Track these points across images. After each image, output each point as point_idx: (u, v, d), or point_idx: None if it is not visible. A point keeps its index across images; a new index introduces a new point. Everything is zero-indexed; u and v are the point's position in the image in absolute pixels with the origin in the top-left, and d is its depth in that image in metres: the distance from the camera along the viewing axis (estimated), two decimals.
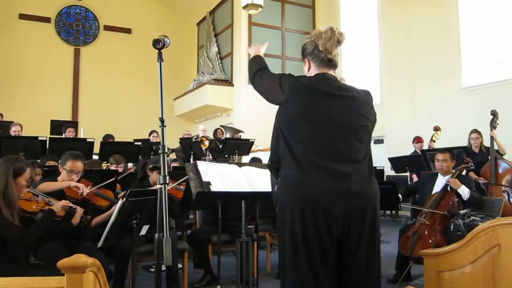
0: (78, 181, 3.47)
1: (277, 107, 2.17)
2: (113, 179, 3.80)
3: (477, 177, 5.37)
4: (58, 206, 2.96)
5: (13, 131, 7.05)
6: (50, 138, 6.31)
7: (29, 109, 12.15)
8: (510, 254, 2.17)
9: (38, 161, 5.04)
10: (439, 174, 4.45)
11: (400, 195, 4.32)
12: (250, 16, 11.49)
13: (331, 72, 2.16)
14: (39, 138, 5.95)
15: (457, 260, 2.32)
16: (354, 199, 2.00)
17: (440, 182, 4.34)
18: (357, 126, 2.09)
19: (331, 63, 2.15)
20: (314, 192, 1.97)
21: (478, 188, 5.22)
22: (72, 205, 3.05)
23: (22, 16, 13.01)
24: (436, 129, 6.67)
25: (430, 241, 3.90)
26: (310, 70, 2.18)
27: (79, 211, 3.14)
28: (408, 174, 6.99)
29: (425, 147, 7.04)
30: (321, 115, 2.05)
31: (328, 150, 2.02)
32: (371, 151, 2.19)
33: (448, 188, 4.20)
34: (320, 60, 2.13)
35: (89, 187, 3.50)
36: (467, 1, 8.60)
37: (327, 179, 1.98)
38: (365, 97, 2.18)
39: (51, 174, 3.77)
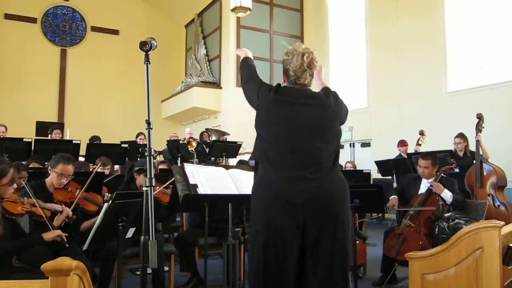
0: (67, 184, 3.44)
1: None
2: (91, 176, 3.70)
3: None
4: (49, 236, 2.88)
5: None
6: (35, 139, 6.23)
7: (14, 110, 12.02)
8: (492, 256, 2.20)
9: (24, 162, 4.98)
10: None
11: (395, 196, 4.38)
12: (238, 18, 11.51)
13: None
14: (24, 140, 5.88)
15: (442, 262, 2.35)
16: (313, 189, 2.10)
17: (425, 185, 4.38)
18: (320, 128, 2.22)
19: (301, 85, 2.29)
20: (274, 183, 2.13)
21: (463, 190, 5.29)
22: (64, 238, 2.96)
23: (8, 16, 12.86)
24: (421, 133, 6.75)
25: (415, 243, 3.93)
26: (285, 82, 2.35)
27: (64, 213, 3.11)
28: (393, 177, 7.03)
29: (411, 150, 7.11)
30: (284, 120, 2.20)
31: (289, 149, 2.17)
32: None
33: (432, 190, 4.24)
34: (290, 82, 2.30)
35: (78, 190, 3.47)
36: (453, 8, 8.71)
37: (287, 170, 2.14)
38: (332, 99, 2.30)
39: (37, 176, 3.71)
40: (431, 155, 4.58)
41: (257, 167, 2.31)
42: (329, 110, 2.26)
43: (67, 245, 2.95)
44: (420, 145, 6.64)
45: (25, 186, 3.00)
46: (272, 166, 2.17)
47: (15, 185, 2.83)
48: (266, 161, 2.20)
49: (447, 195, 4.17)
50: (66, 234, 2.95)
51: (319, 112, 2.23)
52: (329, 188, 2.14)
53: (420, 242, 3.94)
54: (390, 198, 4.36)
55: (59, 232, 2.92)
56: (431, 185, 4.23)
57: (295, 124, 2.19)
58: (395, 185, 6.52)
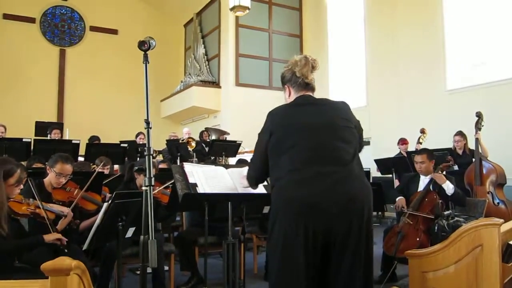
0: (65, 184, 3.44)
1: (266, 109, 2.38)
2: (93, 176, 3.70)
3: None
4: (50, 238, 2.87)
5: None
6: (34, 139, 6.23)
7: (13, 110, 11.99)
8: (492, 254, 2.21)
9: (23, 163, 4.98)
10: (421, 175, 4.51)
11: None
12: (237, 18, 11.50)
13: (308, 93, 2.36)
14: (24, 140, 5.88)
15: (441, 260, 2.35)
16: (345, 201, 2.08)
17: (423, 182, 4.39)
18: (338, 127, 2.23)
19: (309, 87, 2.36)
20: (303, 197, 2.07)
21: (463, 189, 5.30)
22: (64, 242, 2.95)
23: (6, 16, 12.83)
24: (422, 131, 6.75)
25: (414, 241, 3.94)
26: (290, 95, 2.40)
27: (69, 217, 3.11)
28: (393, 175, 7.04)
29: (412, 149, 7.11)
30: (302, 126, 2.21)
31: (314, 156, 2.15)
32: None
33: (431, 187, 4.25)
34: (298, 84, 2.35)
35: (76, 190, 3.47)
36: (451, 5, 8.71)
37: (316, 183, 2.09)
38: (342, 104, 2.38)
39: (37, 176, 3.71)
40: (426, 150, 4.61)
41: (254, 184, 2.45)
42: (346, 111, 2.33)
43: (66, 250, 2.94)
44: (421, 143, 6.64)
45: (31, 187, 2.99)
46: (296, 178, 2.13)
47: (21, 186, 2.84)
48: (286, 176, 2.15)
49: (449, 186, 4.19)
50: (66, 240, 2.94)
51: (337, 111, 2.30)
52: (360, 196, 2.15)
53: (418, 239, 3.95)
54: (397, 199, 4.38)
55: (59, 235, 2.91)
56: (433, 176, 4.25)
57: (313, 127, 2.21)
58: (396, 182, 6.53)
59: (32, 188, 2.98)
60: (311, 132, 2.20)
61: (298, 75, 2.32)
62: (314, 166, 2.12)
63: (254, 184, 2.55)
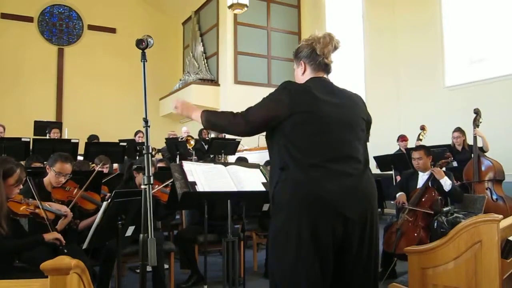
0: (65, 183, 3.44)
1: None
2: (92, 175, 3.71)
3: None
4: (49, 237, 2.87)
5: None
6: (33, 139, 6.23)
7: (12, 109, 11.99)
8: (491, 250, 2.21)
9: (22, 162, 4.97)
10: (419, 171, 4.51)
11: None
12: (235, 15, 11.49)
13: (325, 76, 2.18)
14: (23, 139, 5.88)
15: (440, 256, 2.36)
16: (361, 200, 2.01)
17: (422, 179, 4.40)
18: (357, 126, 2.12)
19: (327, 68, 2.18)
20: (320, 194, 1.94)
21: (461, 185, 5.31)
22: (62, 242, 2.94)
23: (4, 16, 12.80)
24: (422, 128, 6.75)
25: (413, 237, 3.95)
26: (305, 73, 2.19)
27: (68, 217, 3.12)
28: (392, 172, 7.05)
29: (411, 145, 7.11)
30: (323, 119, 2.02)
31: (333, 153, 2.01)
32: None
33: (429, 183, 4.26)
34: (318, 64, 2.15)
35: (76, 189, 3.47)
36: (450, 2, 8.70)
37: (333, 181, 1.97)
38: (359, 99, 2.23)
39: (37, 175, 3.71)
40: (423, 146, 4.64)
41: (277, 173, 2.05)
42: (363, 108, 2.22)
43: (65, 250, 2.95)
44: (421, 140, 6.65)
45: (31, 187, 2.99)
46: (313, 174, 1.96)
47: (21, 186, 2.83)
48: (302, 171, 1.97)
49: (446, 182, 4.21)
50: (64, 242, 2.93)
51: (356, 109, 2.16)
52: (373, 195, 2.09)
53: (416, 234, 3.97)
54: (397, 195, 4.40)
55: (58, 235, 2.91)
56: (433, 170, 4.27)
57: (334, 123, 2.04)
58: (398, 178, 6.53)
59: (32, 188, 2.97)
60: (334, 126, 2.04)
61: (318, 53, 2.13)
62: (336, 165, 1.99)
63: (237, 132, 2.19)
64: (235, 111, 2.17)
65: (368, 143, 2.29)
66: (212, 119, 2.19)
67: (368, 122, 2.24)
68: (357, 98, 2.22)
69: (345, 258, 2.01)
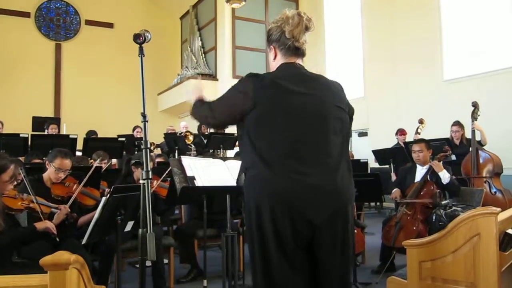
0: (64, 179, 3.44)
1: None
2: (91, 171, 3.70)
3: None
4: (41, 226, 2.90)
5: None
6: (32, 135, 6.22)
7: (10, 105, 11.97)
8: (489, 243, 2.22)
9: (20, 158, 4.97)
10: (417, 165, 4.52)
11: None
12: (233, 10, 11.46)
13: (298, 61, 2.03)
14: (21, 135, 5.88)
15: (439, 249, 2.37)
16: (328, 199, 1.87)
17: (420, 173, 4.41)
18: (330, 116, 1.94)
19: (299, 52, 2.01)
20: (283, 191, 1.83)
21: (460, 179, 5.31)
22: (54, 231, 2.96)
23: (1, 11, 12.74)
24: (421, 121, 6.76)
25: (412, 231, 3.97)
26: (276, 58, 2.05)
27: (63, 211, 3.12)
28: (391, 166, 7.05)
29: (410, 139, 7.11)
30: (288, 110, 1.88)
31: (299, 149, 1.87)
32: (352, 144, 2.17)
33: (428, 177, 4.27)
34: (287, 48, 1.99)
35: (75, 185, 3.47)
36: None
37: (297, 177, 1.83)
38: (336, 87, 2.05)
39: (36, 171, 3.71)
40: (423, 140, 4.66)
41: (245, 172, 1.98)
42: (339, 96, 2.03)
43: (57, 239, 2.98)
44: (419, 133, 6.65)
45: (25, 182, 3.00)
46: (276, 170, 1.84)
47: (15, 182, 2.84)
48: (266, 167, 1.85)
49: (445, 175, 4.24)
50: (55, 233, 2.96)
51: (330, 97, 1.97)
52: (344, 193, 1.92)
53: (414, 228, 3.99)
54: (393, 191, 4.44)
55: (49, 223, 2.94)
56: (432, 163, 4.29)
57: (302, 116, 1.89)
58: (393, 175, 6.55)
59: (26, 183, 2.98)
60: (300, 118, 1.88)
61: (287, 36, 1.95)
62: (299, 161, 1.85)
63: (209, 126, 2.19)
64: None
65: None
66: (194, 110, 2.18)
67: (349, 112, 2.06)
68: (333, 86, 2.03)
69: (317, 257, 1.92)
